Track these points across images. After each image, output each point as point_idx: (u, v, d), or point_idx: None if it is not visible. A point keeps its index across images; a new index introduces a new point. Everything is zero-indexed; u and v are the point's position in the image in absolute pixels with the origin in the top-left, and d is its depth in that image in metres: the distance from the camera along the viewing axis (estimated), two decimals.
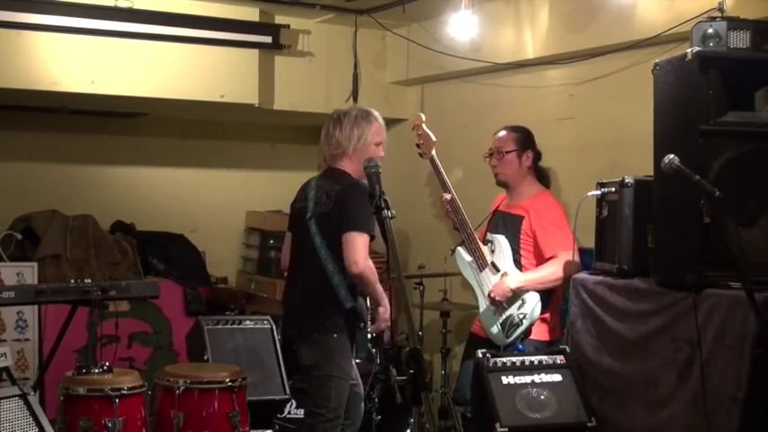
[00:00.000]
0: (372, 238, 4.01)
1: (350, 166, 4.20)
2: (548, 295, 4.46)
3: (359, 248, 3.96)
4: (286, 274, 4.43)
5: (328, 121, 4.28)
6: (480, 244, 4.55)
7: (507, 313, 4.40)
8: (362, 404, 4.44)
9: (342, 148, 4.19)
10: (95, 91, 5.33)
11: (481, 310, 4.53)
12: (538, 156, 4.67)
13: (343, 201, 4.06)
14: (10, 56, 5.05)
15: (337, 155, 4.22)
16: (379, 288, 4.10)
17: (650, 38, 4.46)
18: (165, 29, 5.43)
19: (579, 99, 5.11)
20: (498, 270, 4.46)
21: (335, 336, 4.08)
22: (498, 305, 4.42)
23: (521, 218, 4.53)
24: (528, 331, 4.40)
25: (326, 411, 4.08)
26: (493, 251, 4.53)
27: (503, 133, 4.67)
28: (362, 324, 4.26)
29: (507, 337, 4.39)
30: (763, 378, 3.16)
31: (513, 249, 4.50)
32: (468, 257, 4.57)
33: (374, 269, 4.05)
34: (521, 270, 4.48)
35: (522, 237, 4.51)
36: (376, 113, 4.30)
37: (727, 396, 3.24)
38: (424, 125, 4.67)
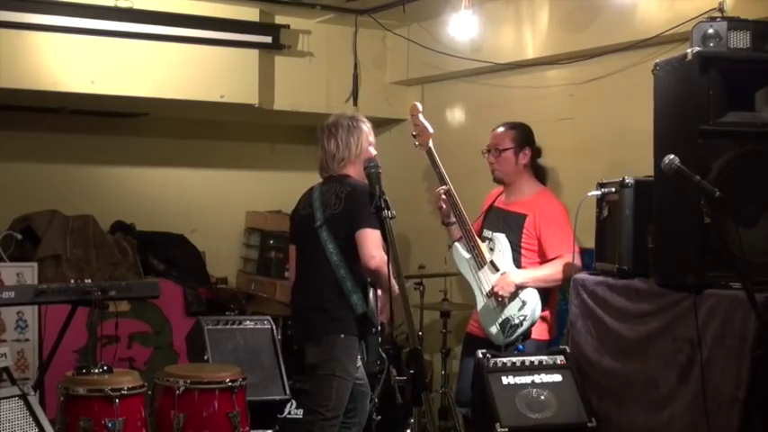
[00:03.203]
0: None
1: (352, 171, 4.24)
2: (546, 294, 4.45)
3: (374, 243, 4.00)
4: (293, 284, 4.39)
5: (320, 135, 4.31)
6: (479, 241, 4.50)
7: (507, 314, 4.37)
8: (368, 403, 4.44)
9: (345, 159, 4.25)
10: (95, 91, 5.33)
11: (479, 308, 4.47)
12: (537, 153, 4.66)
13: (354, 200, 4.09)
14: (10, 56, 5.05)
15: (342, 165, 4.26)
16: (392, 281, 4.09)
17: (650, 38, 4.45)
18: (164, 29, 5.42)
19: (579, 99, 5.11)
20: (498, 269, 4.41)
21: (342, 336, 4.10)
22: (499, 302, 4.36)
23: (523, 216, 4.50)
24: (528, 332, 4.38)
25: (325, 410, 4.09)
26: (492, 249, 4.49)
27: (500, 130, 4.66)
28: (374, 329, 4.27)
29: (507, 338, 4.36)
30: (763, 378, 3.15)
31: (513, 248, 4.47)
32: (467, 254, 4.51)
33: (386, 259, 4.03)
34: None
35: (524, 236, 4.49)
36: (361, 116, 4.38)
37: (727, 396, 3.24)
38: (420, 115, 4.64)
